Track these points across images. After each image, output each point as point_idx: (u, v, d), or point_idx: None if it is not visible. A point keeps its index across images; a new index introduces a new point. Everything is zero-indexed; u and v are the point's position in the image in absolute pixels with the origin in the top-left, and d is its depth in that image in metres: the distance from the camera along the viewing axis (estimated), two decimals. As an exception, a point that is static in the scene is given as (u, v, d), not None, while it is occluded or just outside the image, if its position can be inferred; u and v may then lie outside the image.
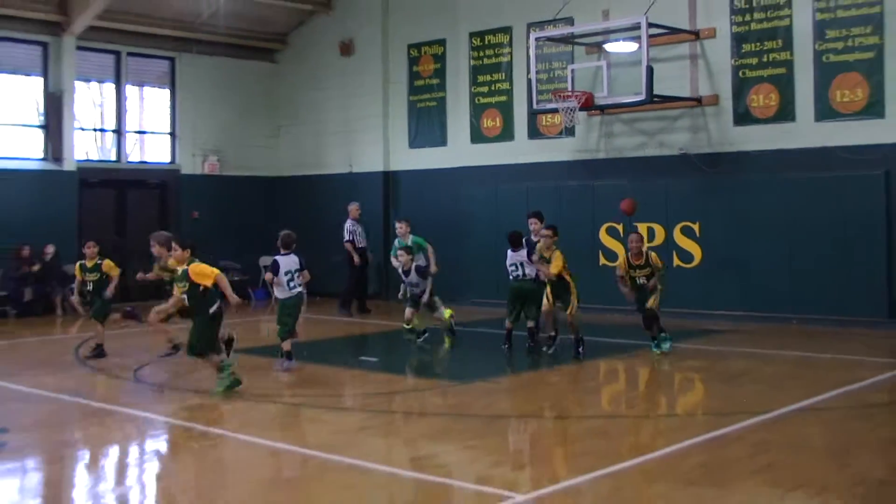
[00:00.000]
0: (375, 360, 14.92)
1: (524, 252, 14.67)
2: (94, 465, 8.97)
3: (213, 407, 10.99)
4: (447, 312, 15.44)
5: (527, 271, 14.63)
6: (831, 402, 10.60)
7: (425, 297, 15.26)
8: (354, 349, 15.65)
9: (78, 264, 15.33)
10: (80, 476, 8.66)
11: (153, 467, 9.04)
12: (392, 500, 7.61)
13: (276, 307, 14.21)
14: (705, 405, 11.39)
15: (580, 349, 13.92)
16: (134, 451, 9.60)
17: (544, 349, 14.43)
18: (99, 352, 14.55)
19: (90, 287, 14.99)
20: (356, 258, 20.53)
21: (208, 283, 11.31)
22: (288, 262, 13.86)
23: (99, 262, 15.05)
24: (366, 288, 21.38)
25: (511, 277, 14.84)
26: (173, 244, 12.00)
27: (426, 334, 15.49)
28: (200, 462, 8.74)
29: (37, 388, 12.33)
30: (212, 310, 11.45)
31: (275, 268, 13.56)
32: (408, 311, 15.43)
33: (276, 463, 8.59)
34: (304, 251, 24.09)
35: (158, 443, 9.84)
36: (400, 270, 15.59)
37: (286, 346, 13.42)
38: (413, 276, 15.35)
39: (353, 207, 20.83)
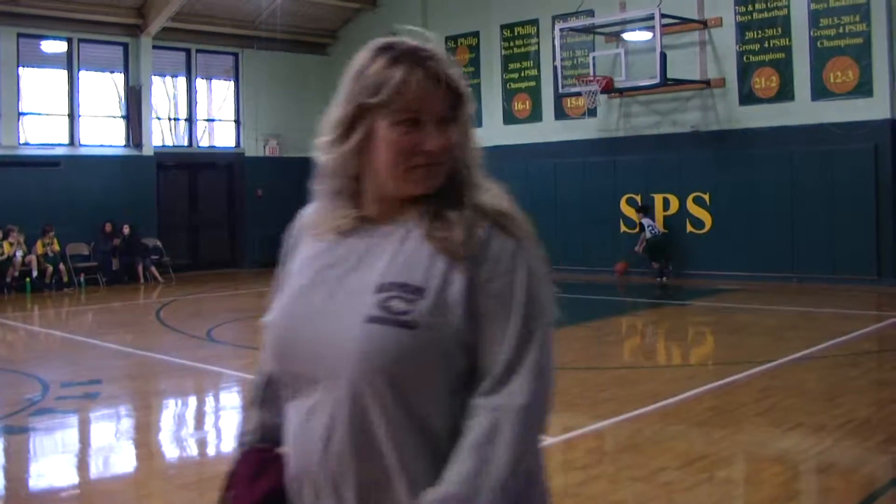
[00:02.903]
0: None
1: None
2: (176, 413, 9.17)
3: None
4: None
5: None
6: (826, 351, 10.68)
7: None
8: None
9: None
10: (165, 421, 8.82)
11: (226, 415, 9.12)
12: None
13: None
14: (715, 356, 11.48)
15: None
16: (210, 400, 9.76)
17: None
18: None
19: None
20: None
21: None
22: None
23: None
24: None
25: None
26: None
27: None
28: None
29: (124, 345, 12.59)
30: None
31: None
32: None
33: None
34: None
35: (231, 393, 9.90)
36: None
37: None
38: None
39: None
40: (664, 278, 18.40)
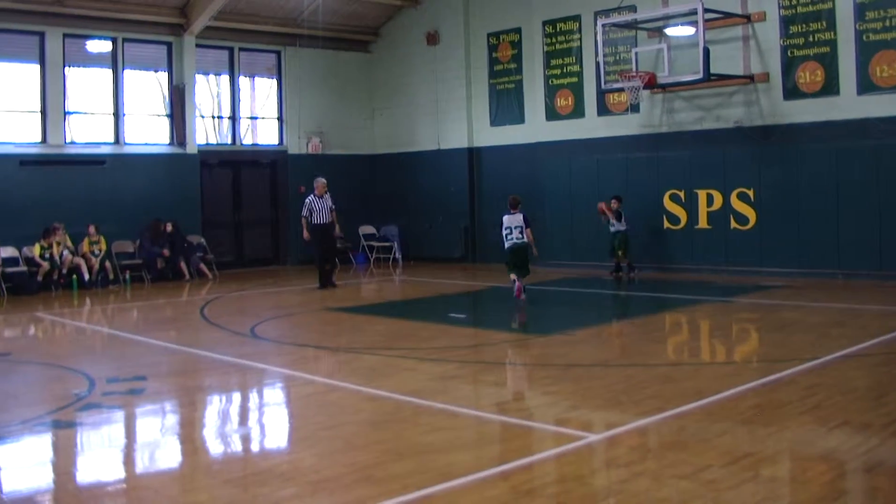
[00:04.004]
0: (463, 317, 15.09)
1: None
2: (220, 409, 9.20)
3: (321, 359, 11.19)
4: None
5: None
6: (872, 349, 10.56)
7: None
8: (444, 307, 15.77)
9: None
10: (209, 417, 8.82)
11: (270, 411, 9.23)
12: (479, 440, 7.66)
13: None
14: (760, 353, 11.36)
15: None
16: (253, 396, 9.76)
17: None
18: None
19: None
20: (305, 234, 18.87)
21: None
22: (511, 219, 15.16)
23: None
24: (333, 262, 19.67)
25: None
26: None
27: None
28: (310, 406, 8.83)
29: (169, 342, 12.68)
30: None
31: (501, 224, 15.30)
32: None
33: (375, 407, 8.58)
34: (397, 219, 24.68)
35: (274, 390, 9.98)
36: None
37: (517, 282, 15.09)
38: None
39: (318, 184, 19.12)
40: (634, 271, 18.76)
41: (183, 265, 21.28)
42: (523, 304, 15.06)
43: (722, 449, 6.75)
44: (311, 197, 19.01)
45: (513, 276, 15.37)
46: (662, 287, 17.19)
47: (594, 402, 8.46)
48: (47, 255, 19.34)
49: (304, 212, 18.88)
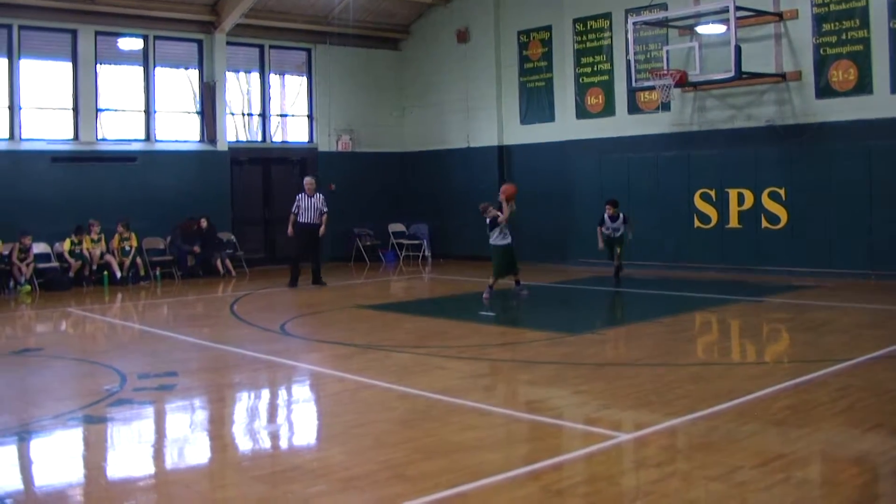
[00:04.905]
0: (493, 315, 15.07)
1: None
2: (250, 405, 9.20)
3: (352, 356, 11.14)
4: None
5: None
6: (907, 349, 10.48)
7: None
8: (474, 305, 15.72)
9: None
10: (239, 414, 8.87)
11: (300, 408, 9.24)
12: (509, 439, 7.65)
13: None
14: (791, 353, 11.26)
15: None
16: (283, 393, 9.79)
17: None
18: None
19: None
20: (290, 229, 18.60)
21: None
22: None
23: None
24: (316, 262, 19.04)
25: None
26: None
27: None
28: (340, 404, 8.82)
29: (200, 338, 12.76)
30: None
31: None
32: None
33: (406, 405, 8.56)
34: (427, 217, 24.69)
35: (304, 387, 9.98)
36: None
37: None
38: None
39: (306, 182, 19.05)
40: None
41: (218, 262, 21.37)
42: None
43: (753, 450, 6.71)
44: (301, 194, 18.81)
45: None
46: (692, 286, 17.11)
47: (624, 402, 8.43)
48: (77, 251, 19.51)
49: (293, 208, 18.70)
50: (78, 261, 19.45)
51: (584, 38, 21.64)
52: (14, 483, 6.67)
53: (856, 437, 7.07)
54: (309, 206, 18.64)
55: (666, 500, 5.76)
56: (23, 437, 7.75)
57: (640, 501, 5.78)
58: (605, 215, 17.93)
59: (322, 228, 18.73)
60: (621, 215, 17.81)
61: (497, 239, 15.51)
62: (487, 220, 15.66)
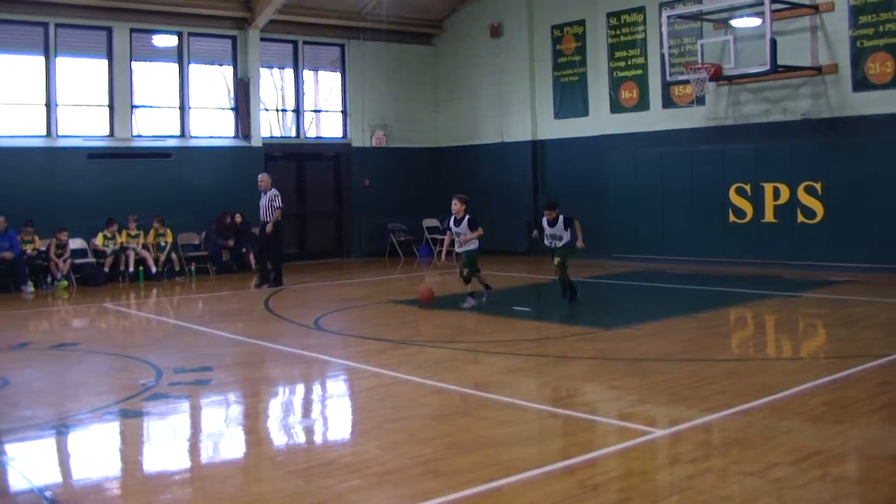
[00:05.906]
0: (528, 310, 15.02)
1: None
2: (284, 400, 9.22)
3: (385, 351, 11.13)
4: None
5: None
6: (946, 345, 10.35)
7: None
8: (508, 300, 15.68)
9: None
10: (274, 409, 8.88)
11: (335, 402, 9.26)
12: (543, 434, 7.65)
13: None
14: (828, 349, 11.15)
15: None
16: (317, 388, 9.82)
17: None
18: None
19: None
20: (269, 227, 17.95)
21: None
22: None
23: None
24: (265, 262, 18.85)
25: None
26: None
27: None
28: (374, 399, 8.82)
29: (234, 333, 12.80)
30: None
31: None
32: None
33: (440, 400, 8.58)
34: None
35: (339, 382, 10.00)
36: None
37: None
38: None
39: (258, 178, 18.72)
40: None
41: (251, 257, 21.42)
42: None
43: (789, 446, 6.66)
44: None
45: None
46: (728, 281, 17.01)
47: (659, 397, 8.38)
48: (110, 246, 19.67)
49: (277, 203, 18.11)
50: (110, 255, 19.61)
51: (618, 31, 21.55)
52: (52, 476, 6.72)
53: (894, 435, 7.01)
54: (261, 203, 18.22)
55: (701, 496, 5.73)
56: (60, 430, 7.82)
57: (675, 497, 5.76)
58: (543, 220, 14.90)
59: (269, 226, 17.95)
60: (561, 219, 14.61)
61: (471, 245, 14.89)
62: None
